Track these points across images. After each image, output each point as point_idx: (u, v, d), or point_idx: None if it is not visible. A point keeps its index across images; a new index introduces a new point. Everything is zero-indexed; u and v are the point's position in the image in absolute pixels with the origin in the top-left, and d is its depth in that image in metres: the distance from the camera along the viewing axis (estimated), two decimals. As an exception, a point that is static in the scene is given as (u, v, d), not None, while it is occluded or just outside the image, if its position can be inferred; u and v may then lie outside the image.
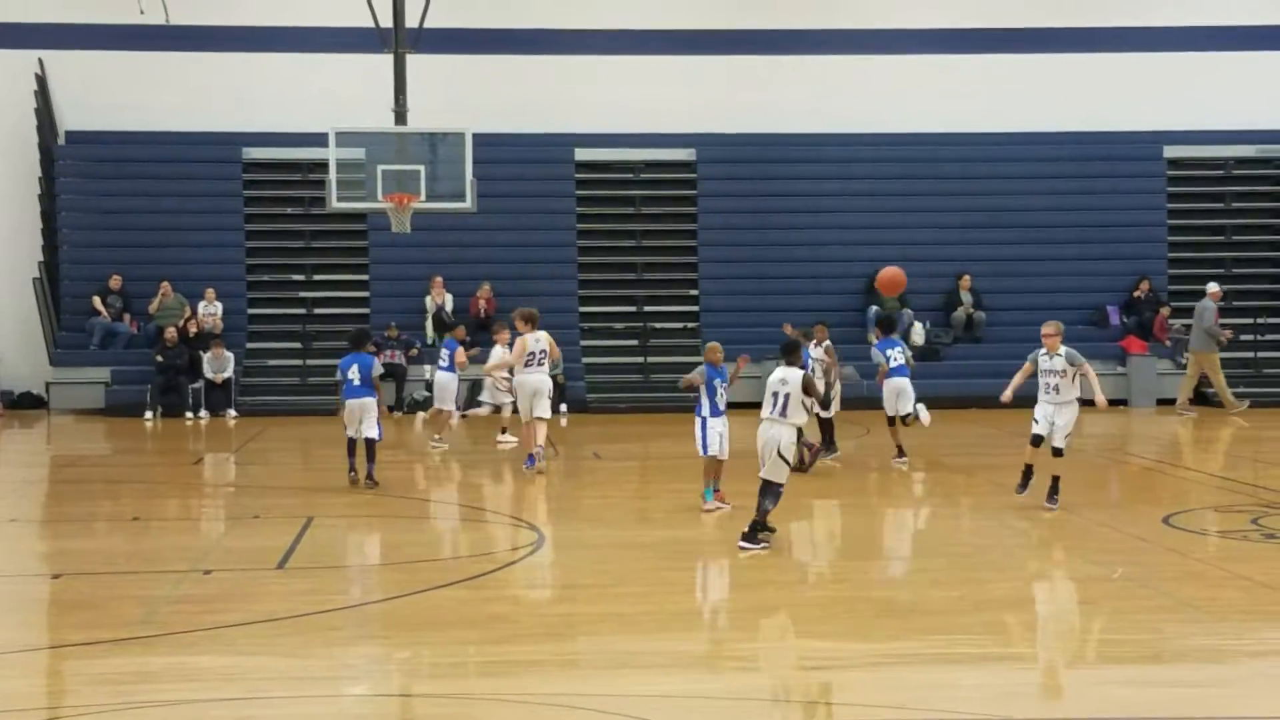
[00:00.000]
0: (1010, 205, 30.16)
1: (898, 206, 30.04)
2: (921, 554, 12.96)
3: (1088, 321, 29.28)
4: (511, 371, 19.05)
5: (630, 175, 30.64)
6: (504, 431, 20.97)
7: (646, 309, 29.49)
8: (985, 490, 17.07)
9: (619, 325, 29.22)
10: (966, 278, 29.33)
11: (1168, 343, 28.81)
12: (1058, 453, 14.97)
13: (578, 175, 30.28)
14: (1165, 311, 29.15)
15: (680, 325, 29.33)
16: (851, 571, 12.18)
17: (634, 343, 29.10)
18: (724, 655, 9.37)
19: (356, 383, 16.84)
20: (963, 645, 9.62)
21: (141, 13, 28.19)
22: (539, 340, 18.47)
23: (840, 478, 19.17)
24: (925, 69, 30.59)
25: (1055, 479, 14.96)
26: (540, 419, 18.21)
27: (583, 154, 30.24)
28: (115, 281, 28.33)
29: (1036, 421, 15.10)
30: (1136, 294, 29.44)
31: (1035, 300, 28.48)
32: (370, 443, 16.80)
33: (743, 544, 12.80)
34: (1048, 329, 15.21)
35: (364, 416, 16.81)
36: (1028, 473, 15.14)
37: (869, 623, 10.18)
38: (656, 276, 30.01)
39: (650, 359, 28.76)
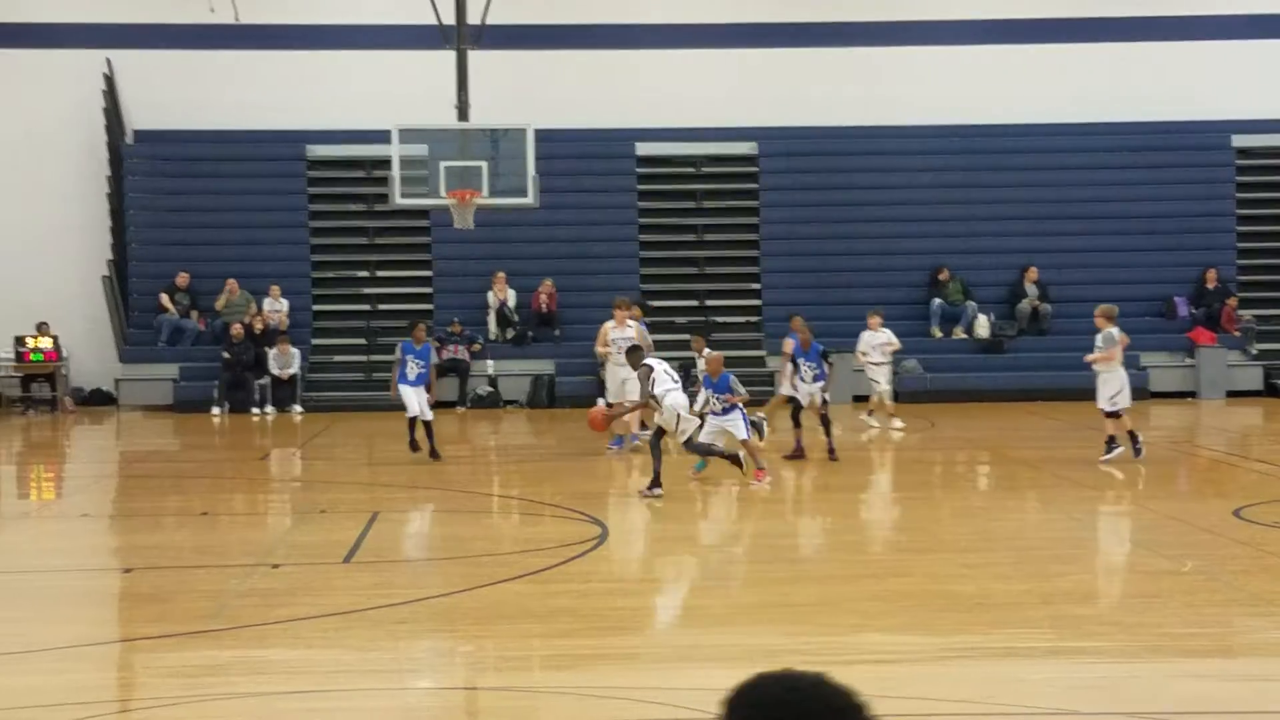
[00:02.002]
0: (1076, 196, 29.90)
1: (961, 199, 29.86)
2: (987, 547, 12.87)
3: (1155, 313, 28.99)
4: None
5: (692, 169, 30.60)
6: (870, 414, 22.95)
7: (708, 303, 29.45)
8: (1051, 483, 16.93)
9: (681, 320, 29.18)
10: (1033, 270, 29.08)
11: (1237, 333, 28.48)
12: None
13: (639, 170, 30.28)
14: (1233, 302, 28.81)
15: (743, 319, 29.27)
16: (916, 565, 12.12)
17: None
18: (787, 649, 9.33)
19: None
20: (1030, 639, 9.54)
21: (212, 10, 28.43)
22: (625, 329, 19.78)
23: (905, 471, 19.11)
24: (990, 60, 30.38)
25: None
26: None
27: (644, 148, 30.23)
28: (183, 279, 28.60)
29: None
30: (1205, 284, 29.13)
31: (1102, 292, 28.14)
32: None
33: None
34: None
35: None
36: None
37: (934, 616, 10.12)
38: (718, 271, 29.96)
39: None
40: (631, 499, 16.34)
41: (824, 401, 18.77)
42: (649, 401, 16.25)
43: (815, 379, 18.81)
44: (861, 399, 25.62)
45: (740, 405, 16.41)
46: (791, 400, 19.25)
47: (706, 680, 8.54)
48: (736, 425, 16.27)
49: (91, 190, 29.54)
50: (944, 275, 29.01)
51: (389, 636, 9.77)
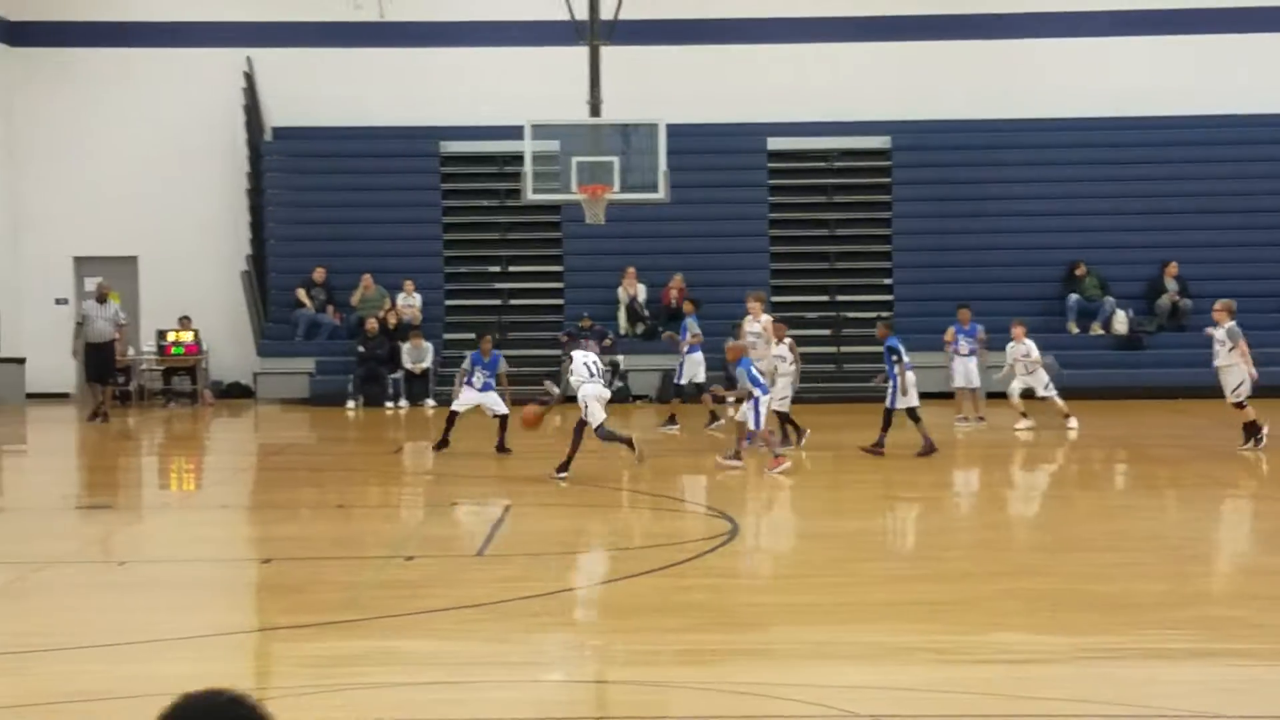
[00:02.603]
0: (1216, 190, 29.23)
1: (1099, 192, 29.32)
2: (1127, 547, 12.61)
3: (1297, 309, 28.23)
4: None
5: (823, 164, 30.39)
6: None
7: (839, 298, 29.23)
8: (1192, 482, 16.55)
9: (812, 315, 29.01)
10: (1173, 265, 28.47)
11: (1384, 329, 27.64)
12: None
13: (770, 164, 30.13)
14: (1380, 298, 27.97)
15: (874, 315, 28.94)
16: (1054, 564, 11.91)
17: (827, 333, 28.87)
18: (921, 647, 9.21)
19: None
20: (1172, 640, 9.33)
21: (358, 7, 28.79)
22: (756, 323, 20.15)
23: (1042, 469, 18.82)
24: (1127, 51, 29.81)
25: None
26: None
27: (775, 143, 30.07)
28: (319, 274, 29.02)
29: None
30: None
31: (1242, 287, 27.51)
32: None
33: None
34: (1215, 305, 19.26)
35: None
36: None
37: (1073, 616, 9.93)
38: (850, 266, 29.73)
39: (843, 349, 28.49)
40: (762, 495, 16.28)
41: (890, 402, 18.46)
42: (565, 392, 16.94)
43: (889, 378, 18.55)
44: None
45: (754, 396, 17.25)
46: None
47: (840, 677, 8.47)
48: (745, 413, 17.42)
49: (231, 187, 30.09)
50: (1080, 270, 28.50)
51: (521, 629, 9.80)
